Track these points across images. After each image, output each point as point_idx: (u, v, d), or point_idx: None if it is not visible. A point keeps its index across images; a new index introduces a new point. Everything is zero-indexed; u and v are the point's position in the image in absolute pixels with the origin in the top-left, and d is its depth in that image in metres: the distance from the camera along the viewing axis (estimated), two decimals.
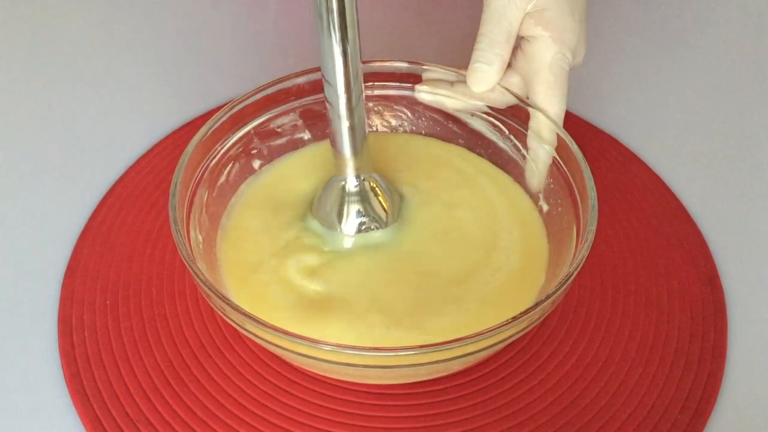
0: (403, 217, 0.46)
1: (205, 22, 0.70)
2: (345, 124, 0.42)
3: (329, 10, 0.37)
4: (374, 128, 0.52)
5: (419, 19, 0.70)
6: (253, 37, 0.68)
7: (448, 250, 0.45)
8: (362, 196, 0.45)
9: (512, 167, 0.49)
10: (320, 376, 0.42)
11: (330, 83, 0.40)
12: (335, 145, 0.43)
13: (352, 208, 0.45)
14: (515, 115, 0.47)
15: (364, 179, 0.45)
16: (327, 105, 0.42)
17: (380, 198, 0.45)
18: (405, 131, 0.52)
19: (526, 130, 0.46)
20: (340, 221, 0.45)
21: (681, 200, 0.52)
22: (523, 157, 0.47)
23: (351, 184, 0.45)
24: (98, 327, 0.45)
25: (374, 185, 0.45)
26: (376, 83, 0.50)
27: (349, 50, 0.39)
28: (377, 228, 0.45)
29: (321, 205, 0.46)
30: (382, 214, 0.45)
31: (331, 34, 0.38)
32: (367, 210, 0.45)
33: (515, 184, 0.49)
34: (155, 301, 0.46)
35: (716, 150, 0.57)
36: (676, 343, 0.44)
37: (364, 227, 0.45)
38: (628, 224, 0.50)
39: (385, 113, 0.51)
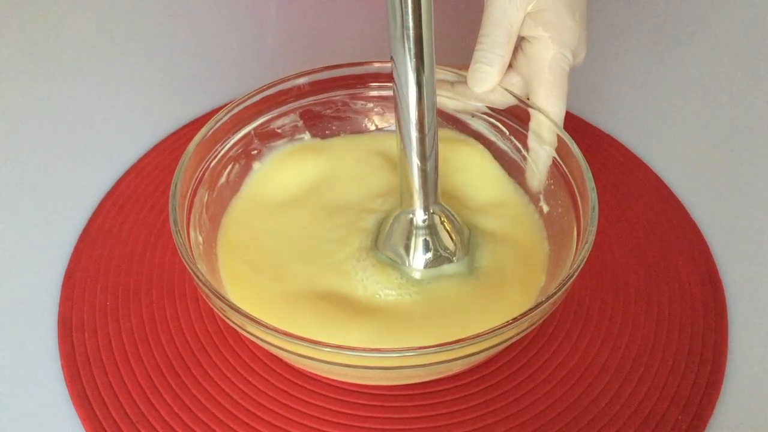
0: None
1: (206, 23, 0.70)
2: (416, 163, 0.41)
3: (406, 36, 0.37)
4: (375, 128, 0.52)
5: None
6: (254, 38, 0.68)
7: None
8: (431, 230, 0.43)
9: (513, 168, 0.49)
10: (321, 377, 0.42)
11: (406, 127, 0.40)
12: (406, 180, 0.42)
13: (420, 242, 0.43)
14: (516, 116, 0.46)
15: (433, 212, 0.44)
16: (398, 141, 0.41)
17: (449, 231, 0.44)
18: None
19: (527, 130, 0.46)
20: (408, 255, 0.44)
21: (681, 201, 0.52)
22: (524, 157, 0.47)
23: (419, 218, 0.43)
24: (98, 328, 0.45)
25: (443, 219, 0.44)
26: (375, 84, 0.50)
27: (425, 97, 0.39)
28: (447, 262, 0.44)
29: (387, 239, 0.44)
30: (452, 247, 0.44)
31: (408, 64, 0.38)
32: (436, 244, 0.44)
33: (515, 184, 0.48)
34: (155, 302, 0.46)
35: (716, 150, 0.57)
36: (676, 345, 0.44)
37: (432, 262, 0.44)
38: (628, 225, 0.50)
39: (386, 114, 0.51)
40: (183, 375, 0.43)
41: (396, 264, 0.44)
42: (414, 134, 0.40)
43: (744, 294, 0.47)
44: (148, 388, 0.42)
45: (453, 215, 0.44)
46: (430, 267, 0.43)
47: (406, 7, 0.36)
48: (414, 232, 0.43)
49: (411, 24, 0.37)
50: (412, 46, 0.37)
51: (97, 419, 0.41)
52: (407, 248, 0.43)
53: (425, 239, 0.43)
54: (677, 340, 0.44)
